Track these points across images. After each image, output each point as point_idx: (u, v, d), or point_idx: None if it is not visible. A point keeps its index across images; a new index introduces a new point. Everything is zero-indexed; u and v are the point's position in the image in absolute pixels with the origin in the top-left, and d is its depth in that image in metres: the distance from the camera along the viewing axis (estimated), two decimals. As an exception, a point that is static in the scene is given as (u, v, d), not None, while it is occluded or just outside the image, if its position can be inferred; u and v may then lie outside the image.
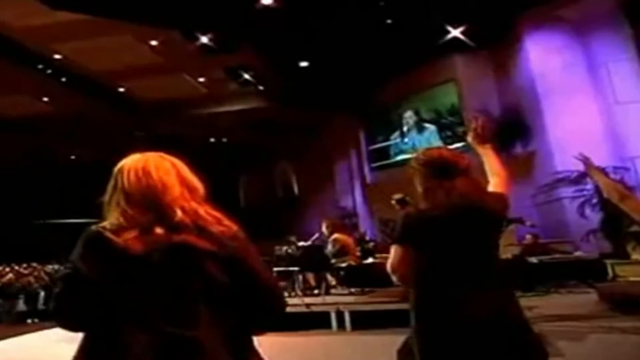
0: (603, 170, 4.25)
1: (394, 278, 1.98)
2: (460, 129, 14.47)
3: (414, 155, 2.17)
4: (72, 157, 19.90)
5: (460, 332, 1.82)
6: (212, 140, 19.27)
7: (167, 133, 17.48)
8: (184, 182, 1.42)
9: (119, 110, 15.79)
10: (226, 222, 1.39)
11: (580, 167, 9.27)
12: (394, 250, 1.96)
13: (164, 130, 17.25)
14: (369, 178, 17.08)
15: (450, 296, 1.86)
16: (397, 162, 15.82)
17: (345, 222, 15.14)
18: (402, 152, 15.86)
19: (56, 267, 16.53)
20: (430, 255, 1.91)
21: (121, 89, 15.35)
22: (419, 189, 2.07)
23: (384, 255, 11.44)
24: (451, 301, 1.85)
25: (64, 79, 14.06)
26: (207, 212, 1.39)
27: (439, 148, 2.20)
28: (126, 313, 1.25)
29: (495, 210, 2.00)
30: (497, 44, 13.40)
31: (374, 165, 16.81)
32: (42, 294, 12.24)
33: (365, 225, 16.23)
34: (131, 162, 1.43)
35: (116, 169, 1.44)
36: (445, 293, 1.87)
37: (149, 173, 1.39)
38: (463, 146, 14.37)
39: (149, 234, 1.30)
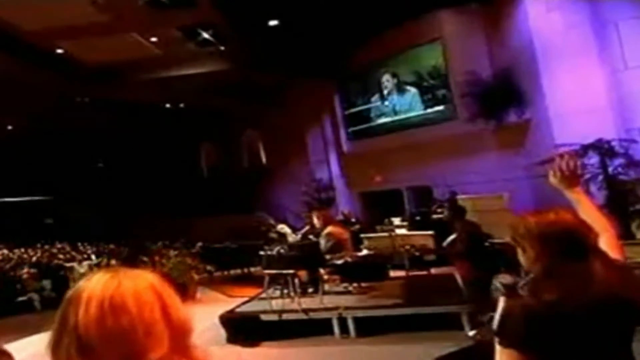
0: None
1: None
2: (441, 92, 13.43)
3: (521, 219, 1.66)
4: (9, 127, 17.88)
5: None
6: (167, 106, 17.61)
7: (116, 99, 15.80)
8: (173, 325, 0.91)
9: (58, 75, 13.99)
10: None
11: (584, 139, 8.31)
12: (506, 357, 1.51)
13: (111, 96, 15.59)
14: (346, 147, 15.97)
15: None
16: (379, 125, 14.67)
17: (322, 196, 14.12)
18: (383, 115, 14.69)
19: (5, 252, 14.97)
20: None
21: (59, 50, 13.50)
22: (529, 264, 1.63)
23: (370, 235, 10.52)
24: None
25: (-12, 39, 12.14)
26: None
27: (557, 214, 1.62)
28: None
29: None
30: (490, -2, 12.22)
31: (353, 129, 15.60)
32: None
33: (343, 200, 15.20)
34: (94, 287, 0.90)
35: (69, 294, 0.92)
36: None
37: (121, 307, 0.88)
38: (446, 108, 13.37)
39: None
